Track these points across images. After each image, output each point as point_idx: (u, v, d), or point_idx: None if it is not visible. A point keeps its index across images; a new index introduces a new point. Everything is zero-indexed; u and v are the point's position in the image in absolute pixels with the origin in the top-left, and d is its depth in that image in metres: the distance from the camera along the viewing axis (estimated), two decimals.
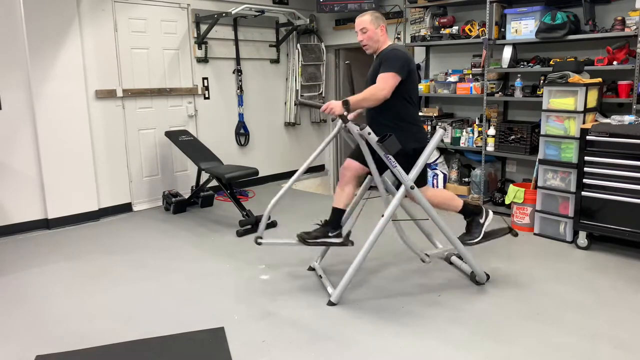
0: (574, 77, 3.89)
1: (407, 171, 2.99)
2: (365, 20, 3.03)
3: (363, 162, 3.05)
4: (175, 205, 5.06)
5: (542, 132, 4.09)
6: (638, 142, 3.51)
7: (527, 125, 4.56)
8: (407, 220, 3.45)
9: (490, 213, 3.34)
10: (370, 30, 3.02)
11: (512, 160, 5.12)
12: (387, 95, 2.88)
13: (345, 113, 2.83)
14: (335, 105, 2.81)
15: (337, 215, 3.19)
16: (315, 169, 7.05)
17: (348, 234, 3.22)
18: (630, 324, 2.75)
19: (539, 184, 4.15)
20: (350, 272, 3.02)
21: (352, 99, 2.83)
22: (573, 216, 3.92)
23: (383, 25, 3.06)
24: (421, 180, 3.14)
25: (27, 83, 4.40)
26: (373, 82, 2.97)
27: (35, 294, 3.27)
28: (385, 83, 2.88)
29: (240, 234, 4.34)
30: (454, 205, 3.25)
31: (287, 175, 6.64)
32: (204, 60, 5.60)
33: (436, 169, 5.34)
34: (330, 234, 3.18)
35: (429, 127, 5.29)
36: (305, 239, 3.13)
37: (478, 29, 4.85)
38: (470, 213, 3.28)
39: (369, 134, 2.89)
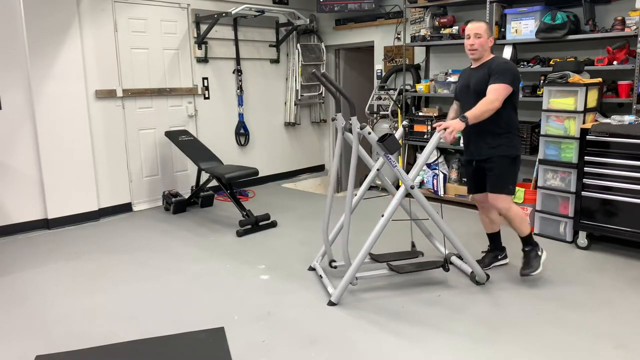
0: (574, 77, 3.88)
1: (512, 176, 3.16)
2: (482, 26, 3.12)
3: (481, 189, 3.30)
4: (175, 205, 5.06)
5: (542, 132, 4.09)
6: (638, 142, 3.51)
7: (527, 125, 4.56)
8: (407, 220, 3.46)
9: (545, 252, 3.36)
10: (483, 38, 3.10)
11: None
12: (499, 106, 2.97)
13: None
14: (455, 124, 2.88)
15: (496, 238, 3.52)
16: (315, 169, 7.06)
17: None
18: (630, 324, 2.75)
19: (539, 184, 4.15)
20: (350, 272, 3.02)
21: (469, 114, 2.90)
22: (573, 216, 3.92)
23: (492, 38, 3.16)
24: (514, 188, 3.23)
25: (27, 83, 4.40)
26: (478, 91, 3.04)
27: (35, 294, 3.27)
28: (498, 94, 2.96)
29: (240, 234, 4.34)
30: (524, 229, 3.26)
31: (287, 175, 6.66)
32: (204, 60, 5.60)
33: (436, 169, 5.34)
34: (499, 257, 3.54)
35: (429, 127, 5.30)
36: (482, 267, 3.30)
37: None
38: (531, 244, 3.29)
39: (369, 133, 2.89)
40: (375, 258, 3.39)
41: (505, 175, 3.15)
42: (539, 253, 3.28)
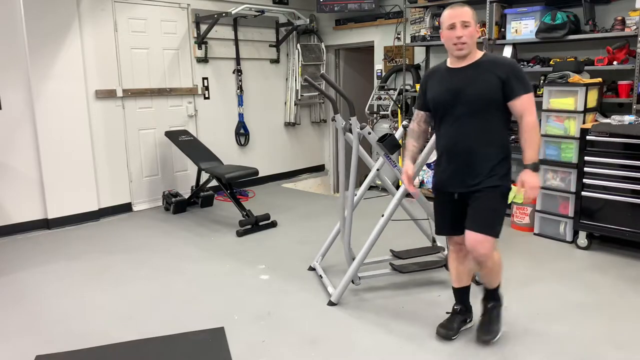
0: (574, 77, 3.89)
1: (502, 214, 2.45)
2: (468, 11, 2.32)
3: (460, 228, 2.48)
4: (175, 205, 5.06)
5: (542, 132, 4.08)
6: (638, 142, 3.51)
7: None
8: (406, 220, 3.46)
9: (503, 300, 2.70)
10: (472, 27, 2.33)
11: (512, 160, 5.10)
12: None
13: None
14: (536, 181, 2.35)
15: (467, 294, 2.69)
16: (315, 169, 7.06)
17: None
18: (630, 324, 2.75)
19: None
20: (350, 272, 3.02)
21: (531, 156, 2.36)
22: (573, 216, 3.92)
23: (478, 26, 2.46)
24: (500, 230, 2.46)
25: (27, 83, 4.40)
26: (487, 99, 2.36)
27: (35, 294, 3.27)
28: (535, 109, 2.38)
29: (240, 234, 4.34)
30: (497, 280, 2.61)
31: (287, 175, 6.66)
32: (204, 60, 5.60)
33: None
34: (467, 320, 2.71)
35: (429, 127, 5.29)
36: (450, 336, 2.61)
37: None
38: (496, 299, 2.64)
39: (369, 133, 2.90)
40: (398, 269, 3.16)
41: (496, 211, 2.41)
42: (501, 309, 2.64)
